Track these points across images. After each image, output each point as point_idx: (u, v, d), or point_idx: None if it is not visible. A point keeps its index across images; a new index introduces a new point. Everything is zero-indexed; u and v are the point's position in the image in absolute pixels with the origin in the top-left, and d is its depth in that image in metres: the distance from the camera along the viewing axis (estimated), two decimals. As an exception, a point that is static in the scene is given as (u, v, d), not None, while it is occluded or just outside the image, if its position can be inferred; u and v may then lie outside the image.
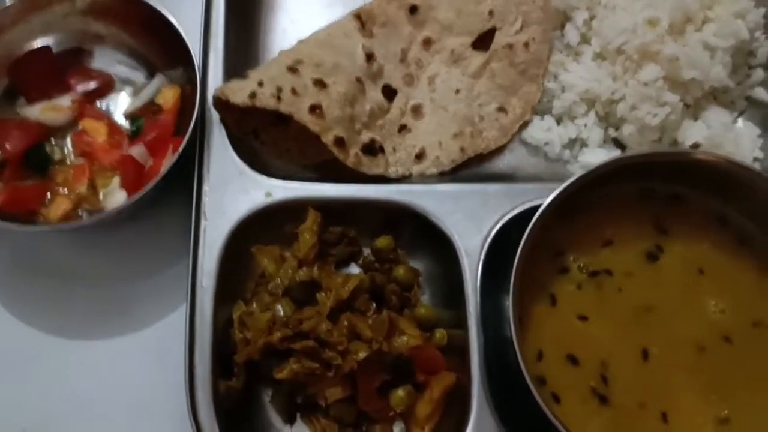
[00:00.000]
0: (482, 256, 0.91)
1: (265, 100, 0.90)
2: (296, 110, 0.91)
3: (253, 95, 0.90)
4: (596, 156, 1.01)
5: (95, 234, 0.97)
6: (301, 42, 0.99)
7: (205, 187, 0.94)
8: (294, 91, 0.92)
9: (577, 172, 1.00)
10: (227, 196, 0.93)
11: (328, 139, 0.92)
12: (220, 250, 0.91)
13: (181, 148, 0.91)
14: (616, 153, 1.01)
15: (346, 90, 0.95)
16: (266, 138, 0.99)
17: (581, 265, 0.88)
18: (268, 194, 0.93)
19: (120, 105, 1.06)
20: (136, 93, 1.06)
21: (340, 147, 0.93)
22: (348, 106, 0.95)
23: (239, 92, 0.90)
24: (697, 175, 0.89)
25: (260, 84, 0.91)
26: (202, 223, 0.92)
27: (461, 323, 0.90)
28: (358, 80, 0.97)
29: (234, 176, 0.94)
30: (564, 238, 0.89)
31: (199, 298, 0.89)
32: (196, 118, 0.94)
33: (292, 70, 0.94)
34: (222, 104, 0.93)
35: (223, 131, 0.97)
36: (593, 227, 0.89)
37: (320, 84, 0.94)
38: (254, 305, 0.88)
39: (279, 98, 0.90)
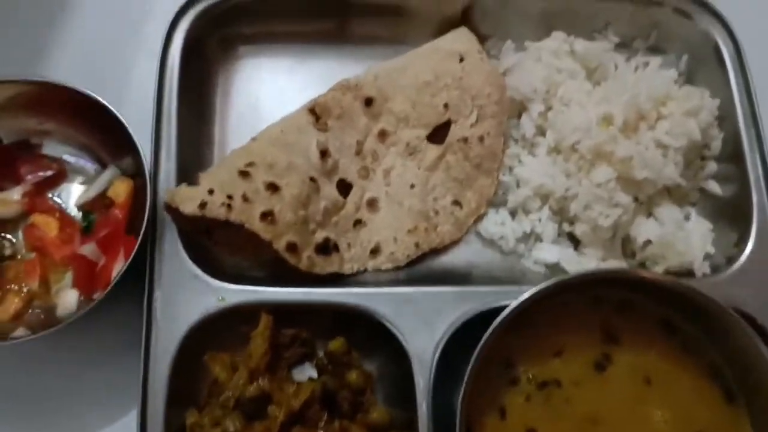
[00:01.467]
0: (434, 363, 0.93)
1: (215, 210, 0.91)
2: (247, 218, 0.92)
3: (203, 205, 0.90)
4: (550, 252, 1.03)
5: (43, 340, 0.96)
6: (254, 139, 1.00)
7: (157, 292, 0.94)
8: (245, 198, 0.93)
9: (531, 267, 1.04)
10: (179, 300, 0.94)
11: (280, 245, 0.94)
12: (173, 356, 0.92)
13: (132, 254, 0.92)
14: (569, 250, 1.04)
15: (300, 191, 0.96)
16: (219, 237, 0.99)
17: (530, 375, 0.91)
18: (221, 299, 0.95)
19: (72, 194, 1.07)
20: (88, 182, 1.07)
21: (292, 252, 0.95)
22: (301, 208, 0.96)
23: (189, 201, 0.91)
24: (646, 285, 0.92)
25: (210, 192, 0.92)
26: (153, 329, 0.93)
27: (412, 426, 0.92)
28: (312, 180, 0.98)
29: (186, 280, 0.95)
30: (515, 349, 0.91)
31: (151, 404, 0.90)
32: (147, 219, 0.94)
33: (244, 174, 0.94)
34: (173, 211, 0.93)
35: (175, 231, 0.97)
36: (544, 336, 0.92)
37: (272, 187, 0.95)
38: (205, 419, 0.90)
39: (230, 207, 0.91)
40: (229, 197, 0.92)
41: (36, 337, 0.89)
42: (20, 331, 0.94)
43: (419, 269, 1.05)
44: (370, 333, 0.98)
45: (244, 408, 0.90)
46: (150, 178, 0.96)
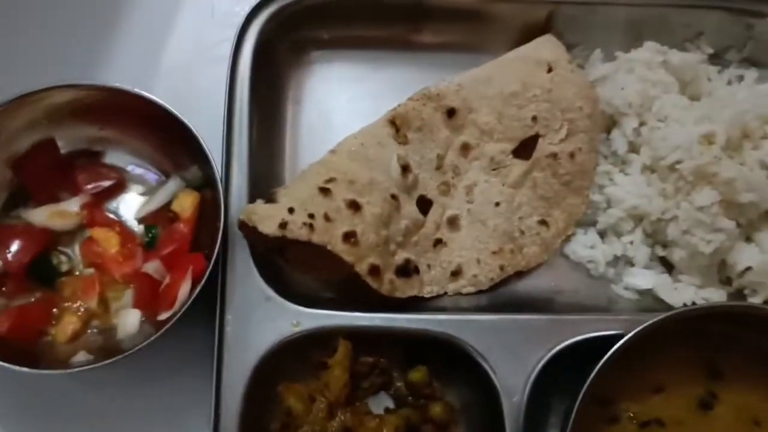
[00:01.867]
0: (525, 399, 0.87)
1: (297, 230, 0.85)
2: (329, 240, 0.86)
3: (283, 225, 0.85)
4: (643, 278, 0.98)
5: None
6: (332, 152, 0.94)
7: (228, 315, 0.89)
8: (327, 217, 0.87)
9: (621, 293, 0.98)
10: (252, 324, 0.89)
11: (362, 268, 0.88)
12: (245, 384, 0.87)
13: (206, 274, 0.86)
14: (663, 275, 0.98)
15: (381, 211, 0.90)
16: (292, 255, 0.94)
17: (632, 414, 0.86)
18: (296, 324, 0.89)
19: (130, 205, 1.01)
20: (148, 193, 1.01)
21: (375, 276, 0.89)
22: (383, 228, 0.90)
23: (268, 221, 0.85)
24: (753, 318, 0.86)
25: (291, 211, 0.86)
26: (225, 355, 0.87)
27: (499, 460, 0.86)
28: (393, 197, 0.92)
29: (259, 302, 0.90)
30: (614, 386, 0.86)
31: (223, 436, 0.84)
32: (221, 239, 0.88)
33: (324, 191, 0.89)
34: (248, 229, 0.87)
35: (247, 249, 0.92)
36: (644, 372, 0.87)
37: (354, 206, 0.89)
38: (283, 455, 0.84)
39: (311, 227, 0.86)
40: (311, 216, 0.86)
41: (102, 365, 0.83)
42: (81, 356, 0.89)
43: (501, 293, 0.99)
44: (450, 360, 0.93)
45: (325, 444, 0.85)
46: (222, 191, 0.90)
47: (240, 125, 0.97)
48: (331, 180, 0.90)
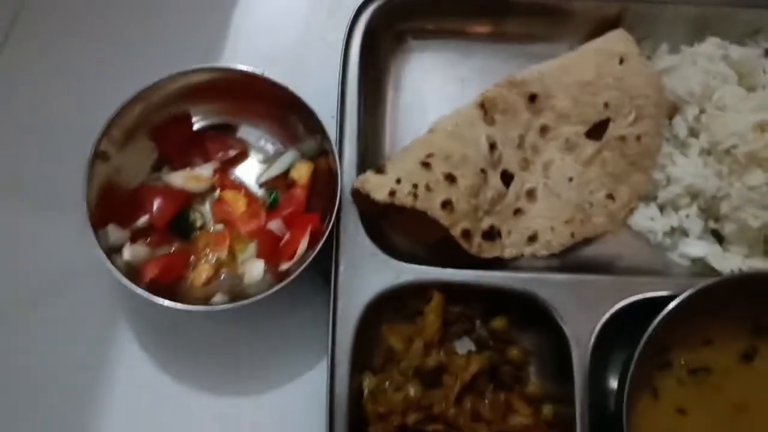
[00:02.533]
0: (591, 345, 1.02)
1: (403, 198, 1.00)
2: (430, 207, 1.02)
3: (392, 193, 1.00)
4: (696, 247, 1.11)
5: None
6: (431, 131, 1.09)
7: (341, 267, 1.05)
8: (428, 187, 1.02)
9: (676, 260, 1.12)
10: (360, 275, 1.04)
11: (456, 232, 1.03)
12: (354, 327, 1.02)
13: (326, 232, 1.02)
14: (714, 246, 1.12)
15: (473, 182, 1.05)
16: (394, 219, 1.09)
17: (683, 361, 1.00)
18: (397, 276, 1.05)
19: (251, 172, 1.17)
20: (267, 161, 1.17)
21: (466, 238, 1.04)
22: (473, 197, 1.05)
23: (379, 189, 1.01)
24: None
25: (398, 181, 1.01)
26: (339, 300, 1.03)
27: (565, 399, 1.02)
28: (482, 171, 1.07)
29: (366, 257, 1.05)
30: (670, 337, 0.99)
31: (338, 369, 1.00)
32: (339, 202, 1.04)
33: (425, 164, 1.04)
34: (360, 195, 1.03)
35: (356, 213, 1.07)
36: (696, 327, 1.00)
37: (450, 178, 1.04)
38: (386, 384, 1.01)
39: (415, 195, 1.01)
40: (414, 186, 1.01)
41: (239, 305, 0.99)
42: (218, 297, 1.05)
43: (570, 257, 1.13)
44: (525, 311, 1.07)
45: (423, 376, 1.01)
46: (338, 163, 1.06)
47: (351, 106, 1.11)
48: (430, 155, 1.05)
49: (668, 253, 1.13)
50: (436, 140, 1.08)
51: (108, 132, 1.05)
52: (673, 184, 1.12)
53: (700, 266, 1.12)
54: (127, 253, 1.04)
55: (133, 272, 1.03)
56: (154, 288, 1.01)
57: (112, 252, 1.03)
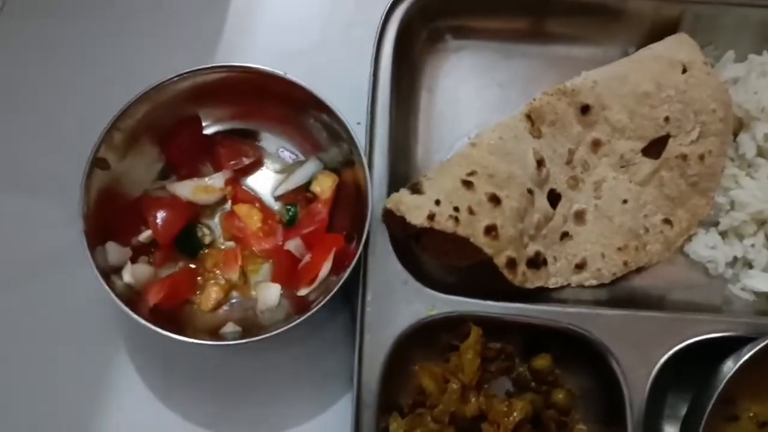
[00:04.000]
0: (647, 391, 0.93)
1: (444, 222, 0.91)
2: (472, 232, 0.92)
3: (431, 216, 0.91)
4: (761, 281, 1.03)
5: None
6: (473, 145, 0.99)
7: (369, 296, 0.95)
8: (470, 210, 0.92)
9: (738, 293, 1.03)
10: (390, 305, 0.95)
11: (500, 260, 0.94)
12: (383, 363, 0.93)
13: (357, 257, 0.93)
14: (783, 279, 1.02)
15: (519, 205, 0.96)
16: (426, 241, 0.99)
17: (752, 414, 0.91)
18: (431, 308, 0.95)
19: (266, 183, 1.07)
20: (283, 171, 1.07)
21: (511, 268, 0.95)
22: (519, 221, 0.96)
23: (417, 211, 0.91)
24: None
25: (437, 202, 0.92)
26: (366, 336, 0.94)
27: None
28: (529, 191, 0.98)
29: (397, 286, 0.96)
30: (737, 386, 0.90)
31: (364, 415, 0.91)
32: (370, 220, 0.94)
33: (467, 183, 0.94)
34: (393, 217, 0.93)
35: (386, 234, 0.98)
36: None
37: (494, 199, 0.94)
38: (417, 430, 0.91)
39: (457, 220, 0.91)
40: (456, 209, 0.92)
41: (252, 341, 0.90)
42: (229, 327, 0.96)
43: (619, 286, 1.05)
44: (569, 349, 0.99)
45: (459, 423, 0.92)
46: (368, 179, 0.95)
47: (382, 111, 1.01)
48: (472, 173, 0.95)
49: (729, 286, 1.05)
50: (479, 156, 0.98)
51: (108, 137, 0.95)
52: (737, 209, 1.04)
53: (765, 302, 1.03)
54: (128, 274, 0.95)
55: (134, 296, 0.95)
56: (158, 314, 0.93)
57: (111, 272, 0.94)
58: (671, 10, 1.10)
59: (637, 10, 1.11)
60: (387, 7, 1.05)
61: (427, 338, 0.98)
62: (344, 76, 1.06)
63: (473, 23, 1.13)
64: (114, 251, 0.95)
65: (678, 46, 1.06)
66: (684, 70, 1.04)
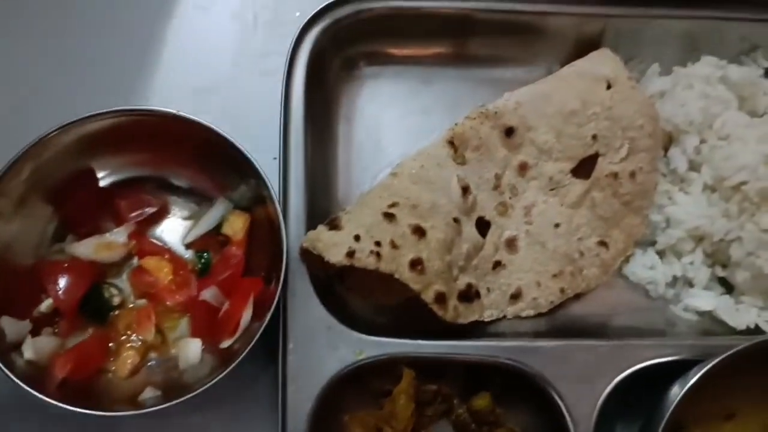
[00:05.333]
0: (593, 424, 0.90)
1: (365, 259, 0.87)
2: (397, 267, 0.88)
3: (351, 253, 0.87)
4: (704, 299, 1.01)
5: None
6: (393, 175, 0.97)
7: (290, 345, 0.90)
8: (393, 244, 0.89)
9: (681, 314, 1.01)
10: (314, 354, 0.91)
11: (428, 296, 0.90)
12: (309, 416, 0.88)
13: (275, 302, 0.88)
14: (724, 297, 1.02)
15: (445, 235, 0.93)
16: (351, 281, 0.95)
17: (701, 439, 0.88)
18: (359, 352, 0.91)
19: (174, 232, 1.02)
20: (192, 217, 1.02)
21: (440, 303, 0.91)
22: (447, 253, 0.93)
23: (335, 248, 0.87)
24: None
25: (357, 238, 0.88)
26: (289, 387, 0.89)
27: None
28: (455, 220, 0.95)
29: (321, 331, 0.92)
30: (685, 411, 0.88)
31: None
32: (286, 261, 0.90)
33: (388, 216, 0.91)
34: (311, 256, 0.89)
35: (305, 275, 0.94)
36: (716, 398, 0.89)
37: (419, 231, 0.91)
38: (353, 489, 0.86)
39: (379, 255, 0.88)
40: (377, 244, 0.88)
41: (174, 404, 0.84)
42: (149, 392, 0.90)
43: (558, 315, 1.02)
44: (510, 385, 0.96)
45: (397, 476, 0.87)
46: (281, 212, 0.91)
47: (296, 144, 0.98)
48: (394, 204, 0.92)
49: (671, 307, 1.03)
50: (400, 186, 0.95)
51: None
52: (673, 226, 1.02)
53: (708, 321, 1.02)
54: (29, 350, 0.89)
55: (39, 373, 0.88)
56: (69, 388, 0.87)
57: (10, 351, 0.88)
58: (593, 26, 1.10)
59: (558, 27, 1.10)
60: (295, 36, 1.02)
61: (357, 385, 0.94)
62: (258, 110, 1.04)
63: (389, 48, 1.11)
64: (10, 327, 0.89)
65: (601, 62, 1.06)
66: (608, 86, 1.03)
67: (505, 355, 0.92)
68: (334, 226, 0.91)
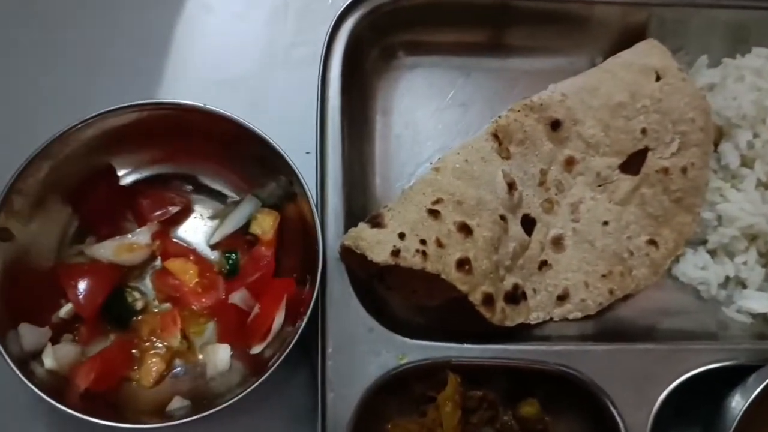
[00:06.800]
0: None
1: (410, 258, 0.85)
2: (443, 268, 0.86)
3: (396, 252, 0.85)
4: (758, 301, 1.00)
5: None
6: (436, 170, 0.95)
7: (329, 349, 0.88)
8: (439, 243, 0.87)
9: (734, 316, 1.00)
10: (355, 359, 0.89)
11: (476, 297, 0.88)
12: (350, 425, 0.86)
13: (311, 304, 0.86)
14: (780, 297, 0.99)
15: (492, 234, 0.91)
16: (392, 281, 0.93)
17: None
18: (402, 356, 0.89)
19: (199, 232, 1.00)
20: (217, 216, 1.00)
21: (488, 306, 0.89)
22: (494, 252, 0.91)
23: (378, 247, 0.85)
24: None
25: (401, 236, 0.86)
26: (329, 392, 0.87)
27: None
28: (502, 218, 0.93)
29: (361, 334, 0.90)
30: (746, 420, 0.86)
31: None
32: (323, 262, 0.87)
33: (433, 213, 0.89)
34: (352, 255, 0.86)
35: (345, 274, 0.92)
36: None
37: (465, 229, 0.89)
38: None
39: (425, 254, 0.85)
40: (422, 242, 0.86)
41: (204, 416, 0.81)
42: (176, 402, 0.88)
43: (607, 317, 1.01)
44: (560, 392, 0.94)
45: (444, 487, 0.84)
46: (318, 212, 0.89)
47: (333, 137, 0.97)
48: (438, 201, 0.90)
49: (723, 309, 1.02)
50: (444, 181, 0.93)
51: (7, 203, 0.87)
52: (725, 224, 1.01)
53: (762, 323, 1.00)
54: (49, 358, 0.87)
55: (60, 383, 0.86)
56: (92, 398, 0.85)
57: (30, 358, 0.85)
58: (637, 16, 1.09)
59: (602, 16, 1.09)
60: (332, 23, 1.01)
61: (400, 391, 0.92)
62: (290, 103, 1.03)
63: (428, 37, 1.10)
64: (29, 334, 0.87)
65: (648, 53, 1.04)
66: (658, 78, 1.02)
67: (554, 360, 0.91)
68: (376, 223, 0.89)
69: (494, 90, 1.09)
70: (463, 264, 0.87)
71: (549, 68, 1.10)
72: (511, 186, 0.95)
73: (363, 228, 0.89)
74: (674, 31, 1.09)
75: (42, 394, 0.81)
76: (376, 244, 0.86)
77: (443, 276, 0.86)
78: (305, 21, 1.10)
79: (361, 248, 0.86)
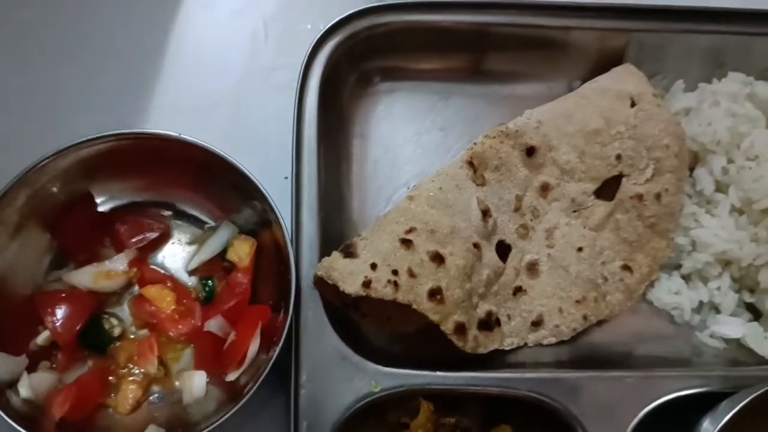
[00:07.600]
0: (620, 459, 0.90)
1: (382, 289, 0.87)
2: (415, 298, 0.88)
3: (367, 283, 0.87)
4: (731, 326, 1.02)
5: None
6: (410, 199, 0.96)
7: (303, 377, 0.90)
8: (411, 273, 0.89)
9: (707, 341, 1.01)
10: (328, 386, 0.91)
11: (448, 327, 0.90)
12: (324, 451, 0.88)
13: (284, 331, 0.87)
14: (753, 324, 1.03)
15: (465, 262, 0.92)
16: (367, 308, 0.95)
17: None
18: (375, 384, 0.90)
19: (176, 258, 1.02)
20: (195, 242, 1.02)
21: (460, 334, 0.91)
22: (467, 280, 0.92)
23: (350, 278, 0.87)
24: None
25: (373, 267, 0.88)
26: (302, 423, 0.89)
27: None
28: (476, 246, 0.95)
29: (335, 362, 0.92)
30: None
31: None
32: (295, 289, 0.89)
33: (406, 242, 0.91)
34: (325, 284, 0.88)
35: (319, 301, 0.94)
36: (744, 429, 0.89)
37: (437, 258, 0.91)
38: None
39: (396, 285, 0.87)
40: (394, 272, 0.88)
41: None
42: (151, 430, 0.89)
43: (581, 343, 1.03)
44: (534, 418, 0.96)
45: None
46: (292, 240, 0.91)
47: (309, 163, 0.98)
48: (411, 230, 0.92)
49: (697, 334, 1.04)
50: (418, 210, 0.95)
51: None
52: (699, 250, 1.03)
53: (735, 349, 1.03)
54: (25, 387, 0.88)
55: (36, 412, 0.87)
56: (68, 427, 0.87)
57: (5, 389, 0.87)
58: (615, 41, 1.10)
59: (580, 41, 1.11)
60: (310, 49, 1.03)
61: (374, 418, 0.94)
62: (269, 128, 1.05)
63: (407, 63, 1.12)
64: (5, 364, 0.89)
65: (625, 78, 1.06)
66: (633, 104, 1.04)
67: (526, 387, 0.92)
68: (349, 253, 0.91)
69: (473, 115, 1.10)
70: (434, 294, 0.89)
71: (528, 93, 1.12)
72: (486, 213, 0.97)
73: (336, 258, 0.90)
74: (652, 56, 1.11)
75: (16, 426, 0.82)
76: (348, 275, 0.88)
77: (414, 306, 0.88)
78: (284, 45, 1.12)
79: (334, 279, 0.88)
